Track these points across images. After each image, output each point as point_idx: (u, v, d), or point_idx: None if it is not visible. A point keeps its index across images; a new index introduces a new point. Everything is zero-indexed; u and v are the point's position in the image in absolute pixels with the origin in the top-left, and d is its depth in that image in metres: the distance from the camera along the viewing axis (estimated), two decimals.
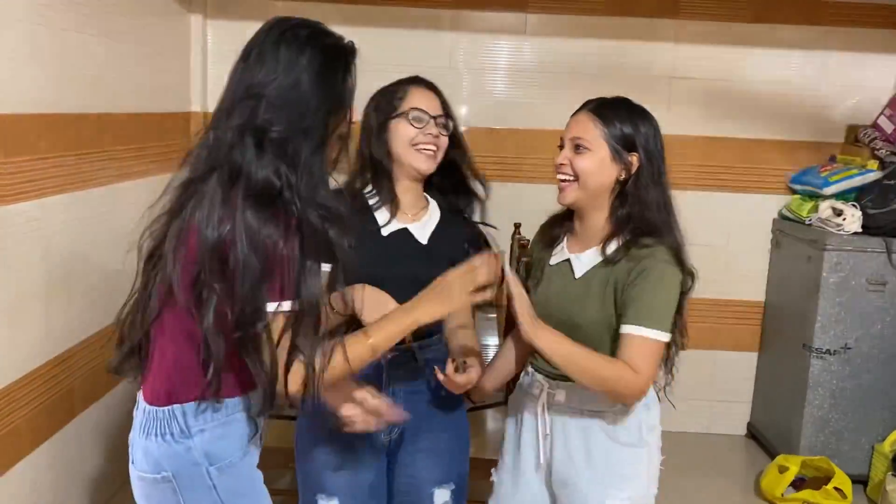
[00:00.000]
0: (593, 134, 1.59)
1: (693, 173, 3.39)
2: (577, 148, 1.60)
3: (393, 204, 1.75)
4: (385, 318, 1.44)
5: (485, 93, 3.39)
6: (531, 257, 1.80)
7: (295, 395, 1.30)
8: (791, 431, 3.18)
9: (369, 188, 1.77)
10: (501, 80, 3.39)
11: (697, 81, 3.38)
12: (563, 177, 1.62)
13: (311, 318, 1.28)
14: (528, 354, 1.79)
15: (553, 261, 1.67)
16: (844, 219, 3.04)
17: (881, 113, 3.31)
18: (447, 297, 1.45)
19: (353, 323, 1.64)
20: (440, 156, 1.76)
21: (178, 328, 1.31)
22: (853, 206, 3.08)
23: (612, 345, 1.57)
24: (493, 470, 1.84)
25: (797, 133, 3.41)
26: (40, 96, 2.06)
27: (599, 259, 1.60)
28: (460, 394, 1.79)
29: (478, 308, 1.82)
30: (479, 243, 1.82)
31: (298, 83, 1.31)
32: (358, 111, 1.54)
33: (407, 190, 1.77)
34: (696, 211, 3.43)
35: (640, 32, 3.33)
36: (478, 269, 1.46)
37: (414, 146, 1.72)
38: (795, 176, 3.37)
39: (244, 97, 1.29)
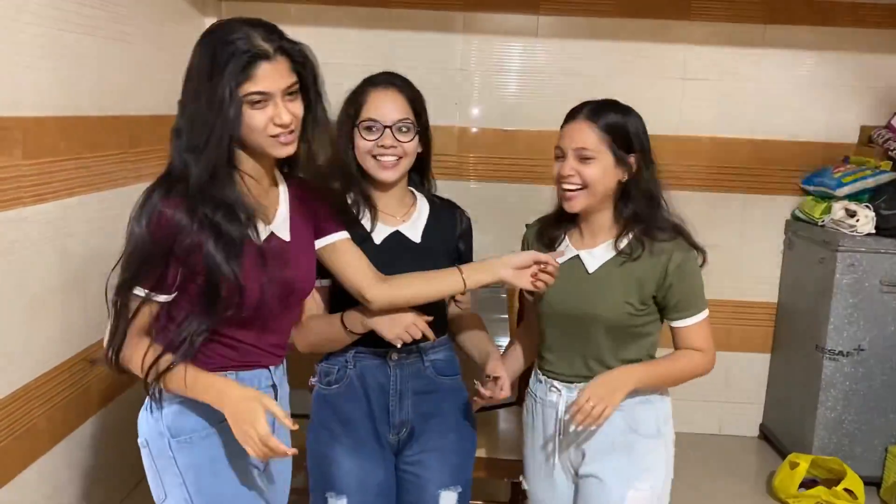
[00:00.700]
0: (595, 142, 1.62)
1: (705, 174, 3.39)
2: (582, 157, 1.62)
3: (372, 211, 1.74)
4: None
5: (497, 94, 3.40)
6: None
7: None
8: (804, 433, 3.17)
9: (350, 200, 1.75)
10: (513, 81, 3.40)
11: (709, 83, 3.37)
12: (570, 186, 1.64)
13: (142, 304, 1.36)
14: (536, 354, 1.82)
15: (560, 260, 1.68)
16: (858, 220, 3.03)
17: (895, 114, 3.29)
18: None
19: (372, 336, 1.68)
20: (407, 162, 1.72)
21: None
22: (866, 207, 3.07)
23: (629, 329, 1.66)
24: (521, 478, 1.87)
25: (810, 134, 3.40)
26: (59, 99, 2.09)
27: (612, 254, 1.66)
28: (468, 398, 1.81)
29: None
30: (469, 235, 1.85)
31: (186, 82, 1.38)
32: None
33: (387, 194, 1.76)
34: (708, 212, 3.45)
35: (653, 34, 3.33)
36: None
37: (373, 157, 1.69)
38: (808, 177, 3.36)
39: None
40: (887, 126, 3.29)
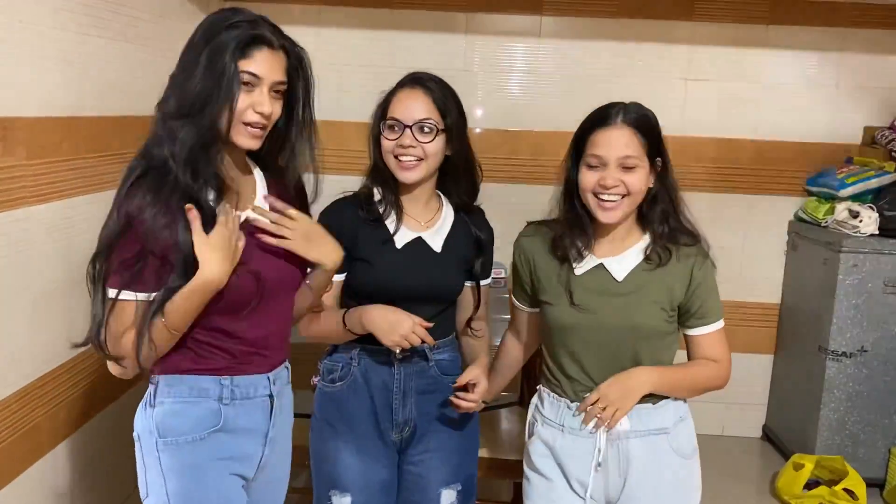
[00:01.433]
0: (639, 149, 1.56)
1: (708, 175, 3.39)
2: (627, 166, 1.54)
3: (398, 213, 1.72)
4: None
5: (499, 95, 3.40)
6: (532, 270, 1.71)
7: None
8: (806, 434, 3.17)
9: (378, 196, 1.74)
10: (516, 82, 3.40)
11: (713, 83, 3.37)
12: (612, 197, 1.55)
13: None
14: (533, 352, 1.79)
15: (580, 270, 1.61)
16: (861, 220, 3.03)
17: None
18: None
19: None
20: (431, 163, 1.69)
21: None
22: (870, 207, 3.07)
23: (666, 337, 1.62)
24: None
25: (813, 135, 3.40)
26: (63, 99, 2.09)
27: (640, 259, 1.60)
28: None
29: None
30: (484, 246, 1.81)
31: (181, 69, 1.36)
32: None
33: (414, 196, 1.74)
34: (711, 213, 3.44)
35: (656, 34, 3.33)
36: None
37: (395, 157, 1.68)
38: (812, 178, 3.36)
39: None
40: (891, 127, 3.29)
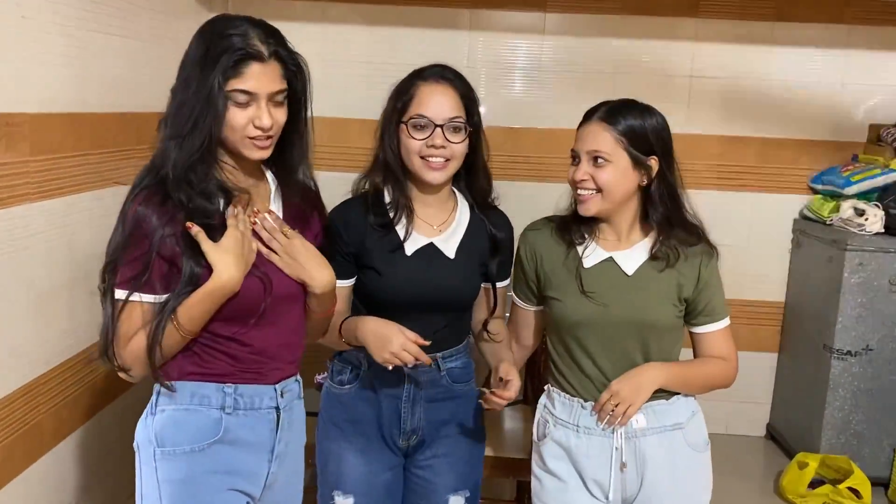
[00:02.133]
0: (611, 144, 1.55)
1: (713, 173, 3.38)
2: (597, 161, 1.55)
3: (409, 218, 1.64)
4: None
5: (503, 92, 3.39)
6: (539, 266, 1.70)
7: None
8: (811, 433, 3.16)
9: (388, 199, 1.65)
10: (520, 79, 3.39)
11: (717, 81, 3.36)
12: (583, 191, 1.58)
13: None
14: (533, 352, 1.80)
15: (588, 263, 1.61)
16: (866, 219, 3.02)
17: None
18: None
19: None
20: (454, 165, 1.61)
21: None
22: (875, 205, 3.06)
23: (675, 333, 1.63)
24: None
25: (818, 132, 3.38)
26: (65, 96, 2.09)
27: (647, 256, 1.60)
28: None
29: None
30: (502, 246, 1.73)
31: (179, 72, 1.38)
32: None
33: (429, 198, 1.66)
34: (715, 211, 3.41)
35: (660, 31, 3.32)
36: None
37: (421, 157, 1.59)
38: (816, 176, 3.35)
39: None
40: None
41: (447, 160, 1.59)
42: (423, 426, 1.71)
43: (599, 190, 1.56)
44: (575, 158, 1.60)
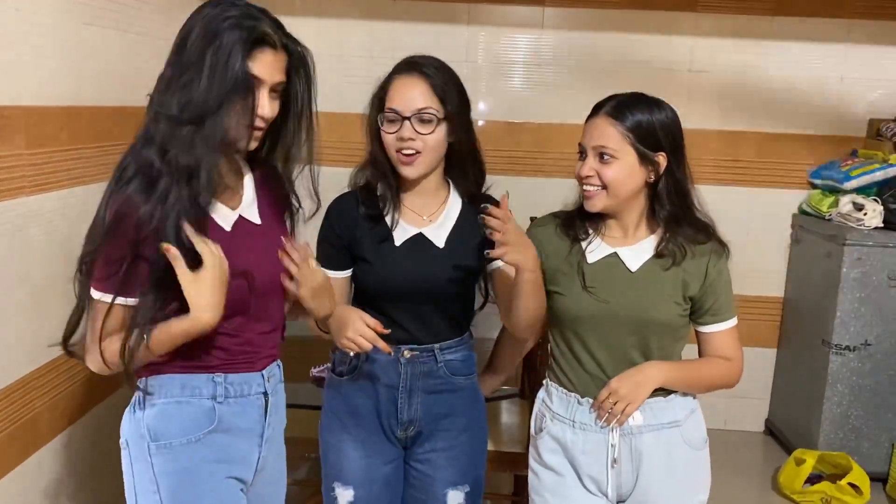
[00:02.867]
0: (617, 140, 1.52)
1: (712, 168, 3.37)
2: (602, 156, 1.53)
3: (397, 209, 1.65)
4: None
5: (502, 87, 3.38)
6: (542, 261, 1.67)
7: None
8: (809, 428, 3.16)
9: (379, 192, 1.67)
10: (518, 74, 3.38)
11: (716, 75, 3.35)
12: (589, 187, 1.56)
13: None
14: (532, 346, 1.78)
15: (592, 258, 1.60)
16: (865, 214, 3.01)
17: None
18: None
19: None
20: (432, 156, 1.61)
21: None
22: (874, 200, 3.05)
23: (678, 331, 1.61)
24: None
25: (818, 127, 3.38)
26: (62, 89, 2.08)
27: (652, 253, 1.58)
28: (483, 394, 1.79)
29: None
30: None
31: (179, 51, 1.30)
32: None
33: (417, 190, 1.67)
34: (714, 206, 3.40)
35: (659, 26, 3.31)
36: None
37: (396, 151, 1.60)
38: (816, 170, 3.34)
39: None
40: None
41: (418, 152, 1.59)
42: (420, 417, 1.71)
43: (605, 186, 1.54)
44: (582, 153, 1.58)
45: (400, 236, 1.65)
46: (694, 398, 1.66)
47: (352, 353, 1.54)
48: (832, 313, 3.02)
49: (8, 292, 1.89)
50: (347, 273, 1.70)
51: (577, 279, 1.59)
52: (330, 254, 1.67)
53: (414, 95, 1.58)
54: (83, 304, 1.34)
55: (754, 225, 3.44)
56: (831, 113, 3.37)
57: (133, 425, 1.41)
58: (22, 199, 1.92)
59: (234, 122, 1.29)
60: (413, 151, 1.59)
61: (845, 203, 3.09)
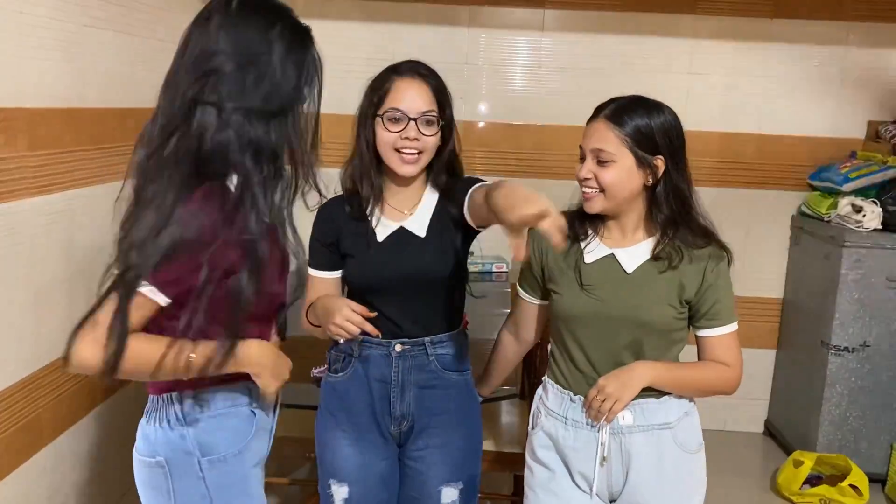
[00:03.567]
0: (615, 143, 1.53)
1: (711, 169, 3.38)
2: (600, 160, 1.54)
3: (380, 207, 1.71)
4: None
5: (502, 89, 3.39)
6: (543, 259, 1.70)
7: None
8: (808, 429, 3.16)
9: (363, 192, 1.71)
10: (519, 75, 3.39)
11: (716, 77, 3.36)
12: (588, 189, 1.57)
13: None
14: (531, 348, 1.79)
15: (589, 258, 1.61)
16: (864, 215, 3.02)
17: None
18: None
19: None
20: (426, 157, 1.67)
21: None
22: (873, 202, 3.06)
23: (672, 334, 1.60)
24: None
25: (817, 129, 3.39)
26: (65, 91, 2.09)
27: (648, 255, 1.58)
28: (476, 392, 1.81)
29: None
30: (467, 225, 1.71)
31: (266, 60, 1.26)
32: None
33: (403, 189, 1.72)
34: (713, 207, 3.40)
35: (659, 28, 3.32)
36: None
37: (395, 150, 1.64)
38: (815, 172, 3.35)
39: (202, 67, 1.25)
40: (895, 121, 3.28)
41: (420, 153, 1.65)
42: (412, 412, 1.73)
43: (603, 189, 1.55)
44: (581, 155, 1.59)
45: (382, 233, 1.70)
46: (690, 401, 1.66)
47: (342, 341, 1.59)
48: (831, 315, 3.03)
49: (11, 293, 1.90)
50: (337, 274, 1.74)
51: (574, 278, 1.61)
52: (319, 254, 1.73)
53: (419, 98, 1.64)
54: (114, 292, 1.25)
55: (754, 226, 3.45)
56: (830, 115, 3.38)
57: (173, 442, 1.35)
58: (24, 200, 1.93)
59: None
60: (416, 151, 1.64)
61: (844, 205, 3.10)
